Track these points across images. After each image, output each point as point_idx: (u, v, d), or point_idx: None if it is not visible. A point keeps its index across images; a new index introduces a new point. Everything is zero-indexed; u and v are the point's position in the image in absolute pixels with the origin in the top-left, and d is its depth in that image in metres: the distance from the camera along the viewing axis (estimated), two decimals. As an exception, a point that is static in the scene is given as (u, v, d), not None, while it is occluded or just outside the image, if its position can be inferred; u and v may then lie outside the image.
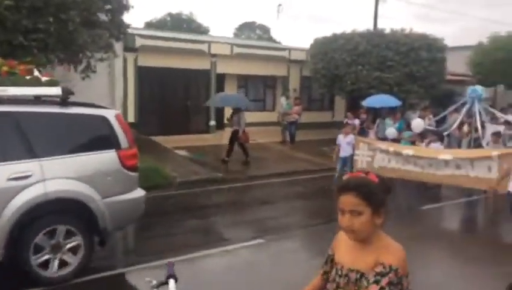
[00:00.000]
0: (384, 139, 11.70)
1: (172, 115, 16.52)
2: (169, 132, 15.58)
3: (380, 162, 9.16)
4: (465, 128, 10.86)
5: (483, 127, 10.21)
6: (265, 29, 52.50)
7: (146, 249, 5.95)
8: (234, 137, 12.31)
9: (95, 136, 5.20)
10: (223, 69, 17.76)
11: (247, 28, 53.13)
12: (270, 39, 42.97)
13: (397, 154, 8.90)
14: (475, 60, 20.38)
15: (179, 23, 40.85)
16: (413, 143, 10.22)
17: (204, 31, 42.09)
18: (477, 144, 10.04)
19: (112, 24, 9.59)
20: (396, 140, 11.24)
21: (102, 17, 9.36)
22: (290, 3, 70.28)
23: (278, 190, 10.70)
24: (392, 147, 9.18)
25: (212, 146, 14.87)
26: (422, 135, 10.33)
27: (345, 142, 9.84)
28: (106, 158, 5.09)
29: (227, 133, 17.87)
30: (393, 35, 15.82)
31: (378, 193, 1.82)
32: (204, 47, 17.02)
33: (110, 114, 5.28)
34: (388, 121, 12.95)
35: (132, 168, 5.31)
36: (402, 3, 75.33)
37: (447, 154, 8.30)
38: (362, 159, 9.48)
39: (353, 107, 16.57)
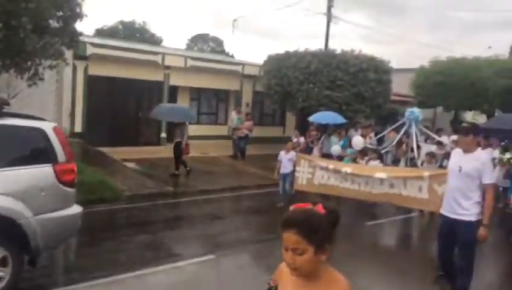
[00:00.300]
0: (328, 155, 12.03)
1: (122, 126, 16.20)
2: (119, 143, 15.25)
3: (320, 179, 9.21)
4: (404, 147, 11.26)
5: (419, 147, 10.55)
6: (218, 42, 52.69)
7: (92, 266, 5.78)
8: (178, 149, 12.29)
9: (30, 149, 5.00)
10: (176, 82, 17.69)
11: (200, 40, 53.09)
12: (223, 52, 43.17)
13: (336, 171, 8.96)
14: (417, 82, 21.54)
15: (131, 32, 40.16)
16: (355, 160, 10.47)
17: (157, 40, 41.64)
18: (412, 163, 10.32)
19: (64, 32, 9.33)
20: (340, 157, 11.49)
21: (54, 24, 9.10)
22: (244, 18, 71.24)
23: (228, 204, 10.76)
24: (331, 165, 9.26)
25: (162, 159, 14.66)
26: (363, 153, 10.61)
27: (286, 158, 9.89)
28: (41, 173, 4.87)
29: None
30: (343, 56, 16.45)
31: (322, 229, 1.72)
32: (158, 58, 16.91)
33: (48, 126, 5.07)
34: (333, 138, 13.25)
35: (69, 184, 5.08)
36: (349, 25, 78.29)
37: (382, 173, 8.40)
38: (303, 175, 9.51)
39: (303, 123, 16.97)
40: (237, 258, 6.72)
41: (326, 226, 1.74)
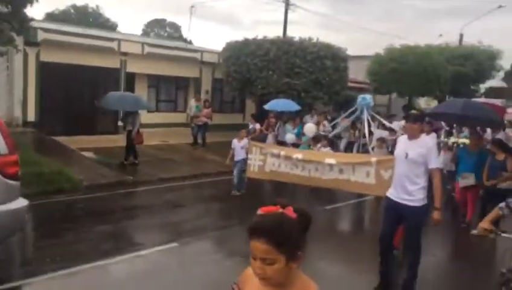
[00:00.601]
0: (284, 143, 12.07)
1: (78, 115, 15.75)
2: (75, 132, 14.85)
3: (271, 167, 9.17)
4: (357, 133, 11.50)
5: (371, 133, 10.68)
6: (175, 28, 51.76)
7: (52, 258, 5.67)
8: (129, 138, 12.09)
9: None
10: (133, 68, 17.33)
11: (157, 25, 51.97)
12: (181, 38, 42.49)
13: (287, 158, 8.91)
14: (372, 69, 22.12)
15: (84, 16, 38.77)
16: (310, 147, 10.54)
17: (112, 26, 40.45)
18: (364, 149, 10.45)
19: (13, 17, 8.96)
20: (295, 145, 11.47)
21: (3, 9, 8.71)
22: (202, 4, 70.09)
23: (189, 192, 10.78)
24: (283, 151, 9.19)
25: (121, 147, 14.42)
26: (316, 140, 10.62)
27: (239, 146, 9.87)
28: (-19, 166, 4.59)
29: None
30: (301, 44, 16.65)
31: (294, 236, 1.56)
32: (114, 45, 16.49)
33: None
34: (288, 126, 13.21)
35: (13, 177, 4.87)
36: (308, 13, 78.98)
37: (331, 159, 8.41)
38: (254, 163, 9.45)
39: (262, 110, 17.10)
40: (201, 244, 6.80)
41: (299, 232, 1.58)
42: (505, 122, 13.36)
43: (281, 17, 21.60)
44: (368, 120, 10.43)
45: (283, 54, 16.19)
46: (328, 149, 10.15)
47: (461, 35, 29.04)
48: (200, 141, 15.78)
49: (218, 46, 19.17)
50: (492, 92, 28.07)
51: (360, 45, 52.49)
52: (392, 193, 4.94)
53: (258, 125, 12.85)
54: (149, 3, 75.27)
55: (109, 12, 74.05)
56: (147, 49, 17.58)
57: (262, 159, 9.34)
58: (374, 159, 7.90)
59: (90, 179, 10.27)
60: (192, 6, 27.62)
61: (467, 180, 7.69)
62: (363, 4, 77.59)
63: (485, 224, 3.65)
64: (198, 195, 10.61)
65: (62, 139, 13.78)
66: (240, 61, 16.78)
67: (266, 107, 14.44)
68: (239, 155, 9.84)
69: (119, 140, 15.59)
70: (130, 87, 17.38)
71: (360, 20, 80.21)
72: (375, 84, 22.17)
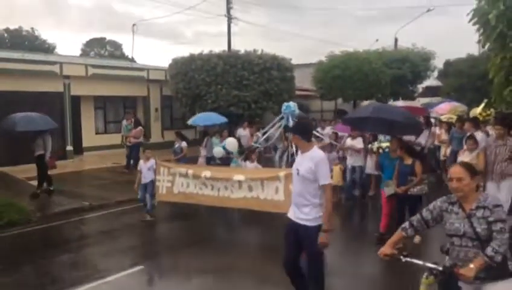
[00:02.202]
0: (213, 159, 11.42)
1: (22, 143, 15.04)
2: (20, 161, 14.20)
3: (179, 187, 8.47)
4: (285, 142, 11.20)
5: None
6: (116, 46, 50.84)
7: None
8: (41, 163, 10.98)
9: None
10: (77, 91, 16.90)
11: (96, 44, 50.81)
12: (123, 56, 41.79)
13: (195, 177, 8.19)
14: (317, 76, 22.83)
15: (19, 40, 37.25)
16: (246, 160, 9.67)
17: (49, 47, 39.13)
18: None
19: None
20: (224, 159, 10.83)
21: None
22: (142, 20, 69.37)
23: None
24: (190, 170, 8.45)
25: (71, 173, 14.03)
26: (248, 154, 9.80)
27: (145, 167, 9.05)
28: None
29: (87, 158, 17.07)
30: (247, 56, 16.95)
31: None
32: (55, 68, 16.02)
33: None
34: (215, 139, 12.39)
35: None
36: (247, 25, 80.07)
37: (240, 175, 7.68)
38: (163, 184, 8.76)
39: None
40: (166, 265, 6.76)
41: None
42: (432, 120, 13.71)
43: (224, 28, 21.86)
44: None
45: (230, 67, 16.42)
46: (254, 164, 9.29)
47: (396, 40, 30.64)
48: (132, 162, 14.26)
49: (163, 62, 19.10)
50: (429, 91, 29.75)
51: (303, 52, 53.94)
52: (290, 213, 4.49)
53: (184, 144, 11.78)
54: (86, 22, 73.46)
55: (45, 34, 71.44)
56: (91, 70, 17.23)
57: (170, 179, 8.62)
58: (282, 173, 7.24)
59: (42, 209, 9.90)
60: (134, 25, 27.36)
61: (389, 188, 7.07)
62: (303, 13, 79.88)
63: (386, 249, 3.27)
64: (157, 217, 10.44)
65: (7, 169, 13.17)
66: (188, 77, 16.83)
67: (189, 122, 13.95)
68: (145, 177, 9.01)
69: (68, 165, 15.15)
70: (75, 110, 16.95)
71: (301, 29, 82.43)
72: (321, 91, 22.87)
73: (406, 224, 3.37)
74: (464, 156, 7.46)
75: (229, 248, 7.21)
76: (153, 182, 8.98)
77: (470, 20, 7.41)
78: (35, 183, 12.43)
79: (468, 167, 3.21)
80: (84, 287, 5.64)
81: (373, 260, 6.04)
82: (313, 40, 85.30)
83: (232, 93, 16.26)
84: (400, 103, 12.15)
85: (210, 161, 11.91)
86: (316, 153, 4.34)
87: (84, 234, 8.66)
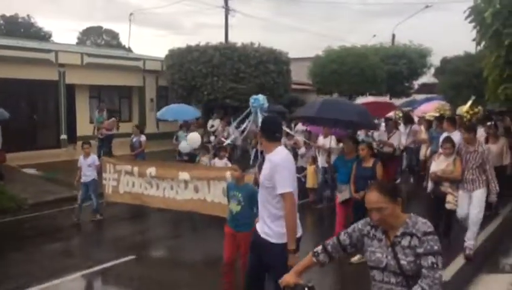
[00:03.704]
0: (180, 154, 10.84)
1: (16, 130, 14.99)
2: (14, 148, 14.15)
3: (125, 186, 7.76)
4: (254, 141, 10.15)
5: None
6: (113, 35, 50.53)
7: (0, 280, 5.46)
8: None
9: None
10: (72, 80, 16.77)
11: (93, 33, 50.48)
12: (119, 45, 41.51)
13: (141, 175, 7.49)
14: (314, 71, 22.80)
15: (14, 27, 36.92)
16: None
17: (45, 35, 38.81)
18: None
19: None
20: (192, 155, 10.24)
21: None
22: (140, 10, 68.91)
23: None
24: (136, 167, 7.69)
25: (65, 162, 13.98)
26: (206, 149, 9.17)
27: (85, 164, 8.20)
28: None
29: (80, 147, 16.99)
30: (244, 49, 16.89)
31: None
32: (50, 56, 15.90)
33: None
34: (181, 133, 11.52)
35: None
36: (246, 18, 79.79)
37: (185, 174, 6.95)
38: (109, 183, 8.07)
39: (207, 117, 16.96)
40: (158, 255, 6.78)
41: None
42: (415, 117, 12.87)
43: (223, 20, 21.74)
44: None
45: (227, 59, 16.36)
46: (224, 162, 8.46)
47: (393, 36, 30.63)
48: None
49: (160, 52, 19.01)
50: (424, 88, 29.82)
51: (302, 46, 53.81)
52: (257, 225, 3.88)
53: (143, 138, 11.00)
54: (83, 11, 72.94)
55: (41, 22, 70.89)
56: (87, 59, 17.11)
57: (116, 178, 7.90)
58: (229, 173, 6.22)
59: (35, 197, 9.89)
60: (131, 14, 27.16)
61: (343, 193, 6.40)
62: (303, 7, 79.60)
63: (290, 277, 2.71)
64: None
65: None
66: (184, 68, 16.76)
67: (158, 115, 13.16)
68: (85, 175, 8.20)
69: (62, 154, 15.11)
70: (70, 99, 16.85)
71: (301, 22, 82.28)
72: (317, 85, 22.87)
73: (319, 248, 2.73)
74: (439, 161, 6.51)
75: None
76: (95, 180, 8.26)
77: (466, 17, 7.44)
78: (29, 170, 12.45)
79: (385, 189, 2.47)
80: (72, 275, 5.65)
81: (338, 272, 5.82)
82: (313, 34, 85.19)
83: (228, 85, 16.23)
84: (369, 99, 11.15)
85: (182, 156, 11.09)
86: (274, 155, 3.64)
87: (76, 223, 8.64)
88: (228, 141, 9.93)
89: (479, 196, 6.08)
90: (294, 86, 20.92)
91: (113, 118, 14.31)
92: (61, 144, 16.21)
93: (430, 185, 6.73)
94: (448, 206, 6.32)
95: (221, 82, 16.25)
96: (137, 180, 7.58)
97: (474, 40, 7.58)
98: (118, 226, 8.35)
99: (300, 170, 9.28)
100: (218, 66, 16.32)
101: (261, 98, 9.06)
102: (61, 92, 16.42)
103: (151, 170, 7.41)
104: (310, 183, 9.30)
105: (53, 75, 16.11)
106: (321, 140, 9.49)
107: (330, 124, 7.96)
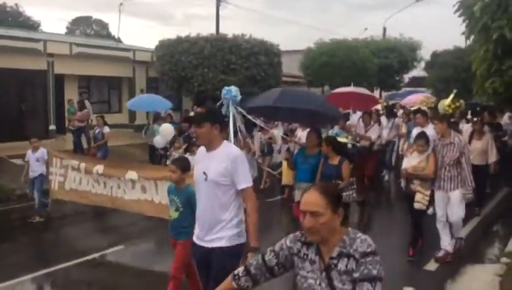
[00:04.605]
0: (154, 148, 10.24)
1: (3, 120, 14.87)
2: (2, 139, 14.02)
3: (72, 183, 7.27)
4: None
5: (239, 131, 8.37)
6: (102, 25, 50.00)
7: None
8: None
9: None
10: (61, 70, 16.58)
11: (82, 23, 49.88)
12: (109, 36, 41.08)
13: (88, 172, 7.04)
14: (305, 63, 22.84)
15: (2, 16, 36.31)
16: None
17: (33, 25, 38.24)
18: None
19: None
20: (167, 149, 9.62)
21: None
22: (130, 1, 68.13)
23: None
24: (83, 163, 7.19)
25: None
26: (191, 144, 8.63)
27: (34, 158, 7.85)
28: None
29: (69, 137, 16.88)
30: (235, 40, 16.84)
31: None
32: (39, 46, 15.69)
33: None
34: (156, 126, 10.78)
35: None
36: (239, 10, 79.40)
37: (133, 173, 6.53)
38: (55, 178, 7.57)
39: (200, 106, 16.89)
40: (147, 245, 6.79)
41: None
42: (398, 111, 12.59)
43: (215, 11, 21.61)
44: (234, 118, 8.03)
45: (218, 51, 16.31)
46: (180, 152, 8.20)
47: (384, 29, 30.70)
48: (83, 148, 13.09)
49: (151, 43, 18.87)
50: (414, 82, 30.03)
51: (294, 38, 53.79)
52: (196, 234, 3.41)
53: (106, 129, 10.36)
54: (72, 1, 71.98)
55: (30, 11, 69.82)
56: (76, 49, 16.92)
57: (62, 173, 7.43)
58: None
59: (24, 188, 9.79)
60: (120, 4, 26.90)
61: (301, 192, 5.69)
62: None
63: None
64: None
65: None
66: (174, 59, 16.68)
67: (128, 106, 12.53)
68: (33, 170, 7.84)
69: (51, 145, 14.94)
70: (59, 89, 16.69)
71: (293, 15, 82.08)
72: (308, 77, 22.91)
73: (240, 270, 2.25)
74: (412, 157, 5.92)
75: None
76: (42, 175, 7.86)
77: (456, 11, 7.47)
78: (17, 161, 12.31)
79: (328, 193, 2.04)
80: (62, 265, 5.64)
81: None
82: (305, 27, 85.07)
83: (219, 77, 16.18)
84: (351, 88, 10.28)
85: (154, 150, 10.65)
86: (231, 148, 3.39)
87: (64, 214, 8.60)
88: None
89: (458, 196, 5.61)
90: (285, 79, 20.94)
91: (86, 110, 13.60)
92: (50, 135, 16.06)
93: (403, 183, 6.20)
94: (416, 205, 5.67)
95: (212, 73, 16.20)
96: (84, 177, 7.09)
97: (463, 34, 7.60)
98: (106, 217, 8.31)
99: (278, 166, 9.07)
100: (208, 58, 16.26)
101: (234, 89, 8.14)
102: (49, 82, 16.24)
103: (99, 168, 6.94)
104: (285, 179, 8.63)
105: (42, 64, 15.92)
106: (300, 133, 8.98)
107: (289, 117, 7.12)
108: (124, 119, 18.13)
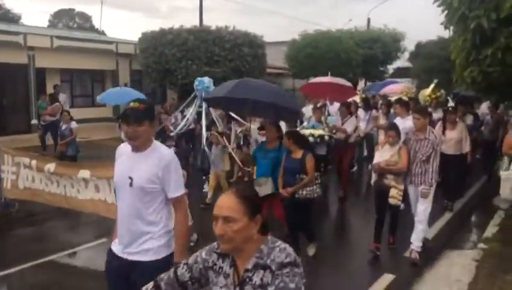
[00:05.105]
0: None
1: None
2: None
3: (25, 181, 6.90)
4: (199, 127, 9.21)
5: (212, 124, 8.22)
6: (85, 18, 49.35)
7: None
8: None
9: None
10: (42, 64, 16.44)
11: (65, 15, 49.18)
12: (92, 28, 40.60)
13: (40, 170, 6.68)
14: (290, 54, 22.84)
15: (-19, 8, 35.60)
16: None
17: (15, 17, 37.55)
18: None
19: None
20: None
21: None
22: (113, -8, 67.10)
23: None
24: (34, 160, 6.81)
25: (36, 147, 13.70)
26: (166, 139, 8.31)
27: None
28: None
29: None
30: (218, 32, 16.81)
31: None
32: (19, 39, 15.50)
33: None
34: None
35: None
36: (224, 1, 79.01)
37: (85, 171, 6.13)
38: (7, 177, 7.17)
39: (183, 99, 16.79)
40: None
41: None
42: (378, 102, 12.28)
43: (197, 3, 21.49)
44: (207, 110, 7.85)
45: (201, 43, 16.27)
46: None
47: (369, 20, 30.88)
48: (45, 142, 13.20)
49: (133, 36, 18.71)
50: (399, 72, 30.22)
51: (278, 30, 53.68)
52: (115, 245, 3.02)
53: (74, 124, 9.88)
54: (54, -7, 70.69)
55: (10, 4, 68.39)
56: (57, 42, 16.74)
57: (14, 171, 7.06)
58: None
59: (5, 183, 9.69)
60: (103, -4, 26.53)
61: (263, 187, 5.48)
62: (277, -9, 79.11)
63: None
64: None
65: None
66: (158, 51, 16.60)
67: (98, 100, 12.15)
68: None
69: (33, 139, 14.79)
70: (41, 83, 16.50)
71: (277, 6, 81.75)
72: (293, 69, 22.94)
73: (149, 286, 2.06)
74: (383, 151, 5.69)
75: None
76: None
77: (434, 1, 7.54)
78: None
79: (245, 197, 1.83)
80: (45, 259, 5.63)
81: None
82: (290, 18, 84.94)
83: (203, 69, 16.13)
84: (327, 78, 9.69)
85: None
86: (163, 151, 2.93)
87: (47, 208, 8.51)
88: (176, 131, 8.79)
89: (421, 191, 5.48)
90: (270, 70, 20.97)
91: (57, 103, 13.33)
92: (31, 130, 15.89)
93: (373, 177, 5.95)
94: (392, 201, 5.49)
95: (196, 66, 16.18)
96: (36, 175, 6.74)
97: (442, 24, 7.68)
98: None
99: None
100: (192, 50, 16.23)
101: (206, 80, 8.03)
102: (31, 75, 16.06)
103: (50, 166, 6.54)
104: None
105: (22, 58, 15.75)
106: (251, 125, 8.60)
107: (247, 109, 6.74)
108: (108, 112, 18.00)
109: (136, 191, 2.83)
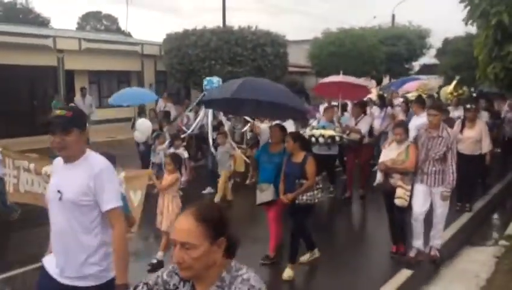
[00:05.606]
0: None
1: (16, 116, 15.26)
2: (14, 134, 14.39)
3: (26, 185, 6.71)
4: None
5: (220, 125, 8.15)
6: (112, 20, 50.38)
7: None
8: None
9: None
10: (71, 65, 16.92)
11: (92, 18, 50.32)
12: (119, 30, 41.44)
13: (38, 173, 6.45)
14: (312, 53, 22.80)
15: (13, 13, 36.81)
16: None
17: (44, 21, 38.71)
18: (216, 144, 8.24)
19: None
20: (148, 145, 9.18)
21: None
22: (138, -6, 68.27)
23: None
24: (32, 164, 6.54)
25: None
26: (175, 139, 8.20)
27: None
28: None
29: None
30: (241, 32, 16.96)
31: None
32: (49, 42, 15.99)
33: None
34: (139, 120, 10.16)
35: None
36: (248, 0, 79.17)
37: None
38: (9, 180, 6.96)
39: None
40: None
41: None
42: (400, 100, 12.04)
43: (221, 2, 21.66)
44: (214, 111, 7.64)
45: (224, 43, 16.45)
46: (180, 151, 7.68)
47: (393, 16, 30.48)
48: None
49: (160, 37, 19.05)
50: (425, 69, 29.72)
51: (302, 28, 53.53)
52: (50, 262, 2.74)
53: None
54: (82, -4, 72.36)
55: (40, 8, 70.38)
56: (85, 44, 17.21)
57: (15, 174, 6.85)
58: (121, 175, 5.42)
59: None
60: (128, -3, 27.11)
61: (264, 193, 5.26)
62: (301, -11, 78.81)
63: None
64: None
65: (1, 142, 13.31)
66: (182, 52, 16.87)
67: (109, 102, 11.96)
68: None
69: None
70: (70, 84, 17.02)
71: (303, 5, 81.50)
72: (316, 67, 22.90)
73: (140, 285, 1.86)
74: (390, 149, 5.44)
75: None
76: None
77: (456, -3, 7.47)
78: (32, 156, 12.54)
79: (206, 219, 1.62)
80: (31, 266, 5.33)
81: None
82: (314, 16, 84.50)
83: (226, 69, 16.33)
84: (339, 78, 9.40)
85: (139, 145, 10.07)
86: (96, 159, 2.67)
87: (47, 211, 8.46)
88: (189, 131, 8.62)
89: (440, 194, 5.19)
90: (292, 69, 20.99)
91: (71, 104, 13.42)
92: (61, 129, 16.39)
93: (378, 177, 5.59)
94: (398, 202, 5.19)
95: (219, 66, 16.36)
96: (36, 178, 6.52)
97: (463, 20, 7.60)
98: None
99: None
100: (215, 50, 16.43)
101: (215, 80, 8.16)
102: (60, 77, 16.57)
103: (47, 169, 6.21)
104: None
105: (52, 60, 16.25)
106: (263, 126, 8.42)
107: (250, 111, 6.43)
108: (133, 113, 18.32)
109: (68, 205, 2.58)
